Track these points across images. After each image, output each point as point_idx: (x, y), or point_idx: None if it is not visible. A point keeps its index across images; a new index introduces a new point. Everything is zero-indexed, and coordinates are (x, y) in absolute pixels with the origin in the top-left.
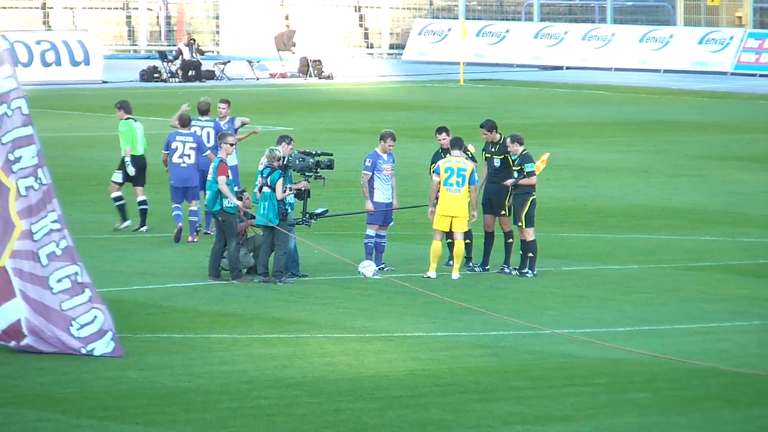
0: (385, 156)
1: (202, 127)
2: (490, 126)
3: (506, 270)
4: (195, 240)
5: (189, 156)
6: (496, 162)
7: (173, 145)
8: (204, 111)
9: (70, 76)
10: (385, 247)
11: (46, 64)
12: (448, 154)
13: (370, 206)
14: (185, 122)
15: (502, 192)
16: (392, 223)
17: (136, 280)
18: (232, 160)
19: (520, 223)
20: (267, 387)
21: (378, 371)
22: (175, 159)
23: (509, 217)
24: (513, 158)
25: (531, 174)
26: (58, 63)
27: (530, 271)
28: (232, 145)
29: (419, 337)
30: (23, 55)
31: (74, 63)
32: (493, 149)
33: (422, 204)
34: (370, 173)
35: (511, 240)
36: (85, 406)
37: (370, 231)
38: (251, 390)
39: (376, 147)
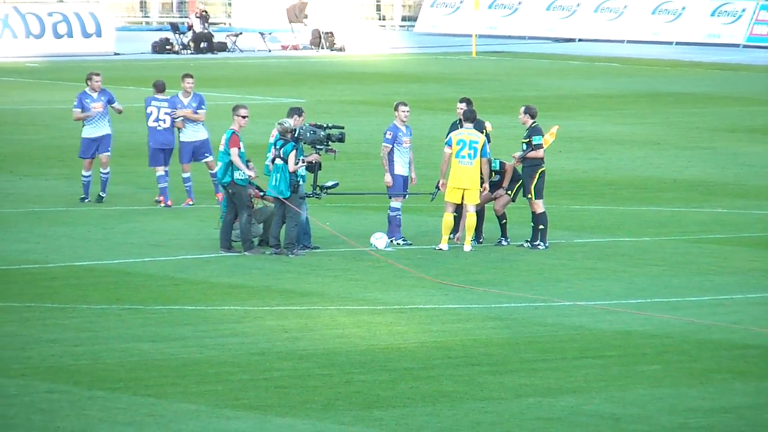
0: (404, 128)
1: (158, 107)
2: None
3: (503, 242)
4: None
5: (164, 120)
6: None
7: (149, 110)
8: (160, 89)
9: (82, 48)
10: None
11: (58, 36)
12: (461, 126)
13: (389, 178)
14: (161, 88)
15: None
16: (407, 197)
17: (147, 251)
18: (201, 134)
19: (529, 195)
20: (279, 359)
21: (390, 343)
22: (151, 123)
23: (508, 199)
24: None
25: (538, 146)
26: (69, 35)
27: (542, 243)
28: (244, 117)
29: (431, 309)
30: (35, 27)
31: (86, 35)
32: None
33: (434, 192)
34: (391, 146)
35: (505, 221)
36: (97, 378)
37: (395, 204)
38: (263, 362)
39: (394, 120)
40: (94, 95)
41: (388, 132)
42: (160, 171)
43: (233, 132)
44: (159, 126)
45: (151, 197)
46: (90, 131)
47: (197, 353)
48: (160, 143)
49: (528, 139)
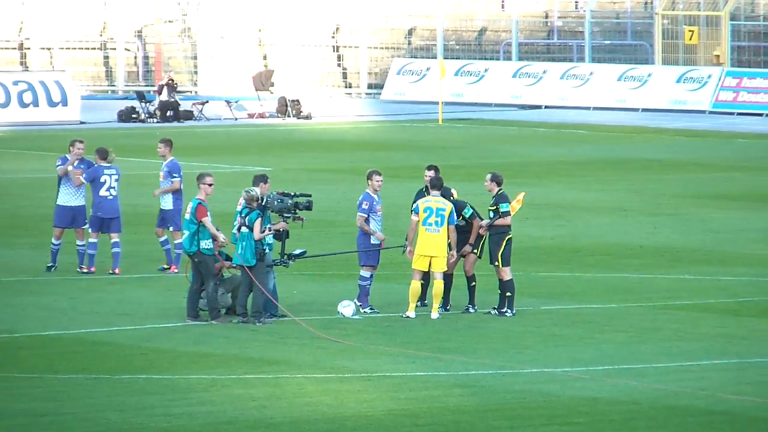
0: (376, 197)
1: (110, 175)
2: (437, 169)
3: (471, 310)
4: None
5: (114, 188)
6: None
7: (102, 179)
8: (104, 156)
9: (47, 117)
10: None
11: (23, 105)
12: (427, 194)
13: (381, 235)
14: (104, 155)
15: (466, 232)
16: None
17: (114, 320)
18: (167, 204)
19: (496, 263)
20: (247, 427)
21: (358, 411)
22: (103, 192)
23: (475, 258)
24: (468, 214)
25: (506, 214)
26: (35, 104)
27: (509, 310)
28: (210, 185)
29: (398, 376)
30: (0, 96)
31: (52, 104)
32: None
33: (395, 246)
34: (366, 215)
35: (474, 283)
36: None
37: (365, 273)
38: (231, 430)
39: (366, 189)
40: (75, 163)
41: (364, 202)
42: (94, 238)
43: (199, 202)
44: (110, 195)
45: (111, 265)
46: (67, 199)
47: (165, 423)
48: (111, 212)
49: (495, 207)
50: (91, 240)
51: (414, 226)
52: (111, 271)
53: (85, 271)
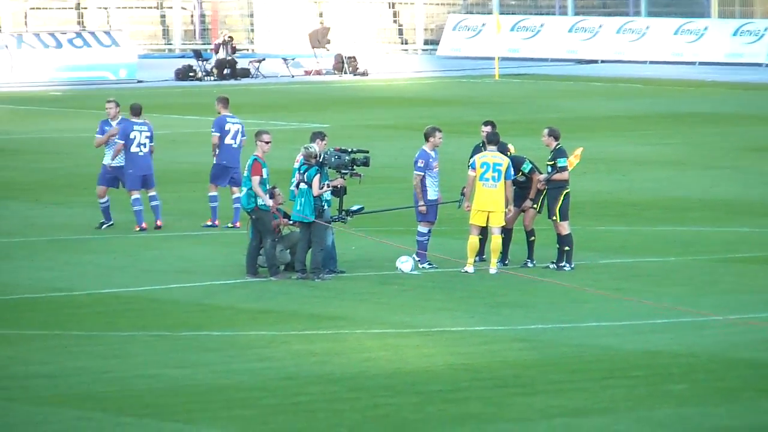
0: (433, 153)
1: (140, 131)
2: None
3: (529, 264)
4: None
5: (145, 145)
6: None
7: (131, 135)
8: (137, 112)
9: (105, 77)
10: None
11: (81, 65)
12: (484, 149)
13: (424, 208)
14: (137, 112)
15: (526, 187)
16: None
17: (174, 278)
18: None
19: (554, 217)
20: (307, 383)
21: (417, 366)
22: (133, 148)
23: (534, 213)
24: (527, 169)
25: (563, 169)
26: (92, 63)
27: (567, 265)
28: (267, 143)
29: (458, 331)
30: (58, 57)
31: (109, 63)
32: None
33: (450, 201)
34: (423, 174)
35: (533, 238)
36: (125, 404)
37: (423, 228)
38: (291, 386)
39: (423, 145)
40: (113, 123)
41: (420, 160)
42: (136, 194)
43: (256, 158)
44: (140, 151)
45: (176, 224)
46: (109, 160)
47: (225, 379)
48: (143, 168)
49: (553, 162)
50: (134, 196)
51: (471, 182)
52: (156, 226)
53: (137, 230)
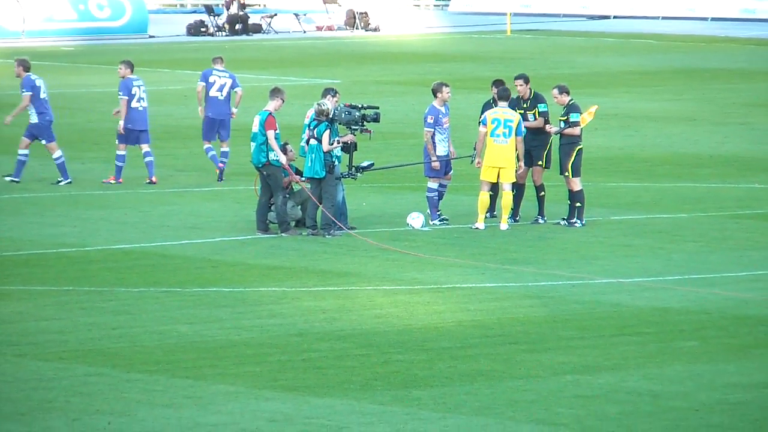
0: (443, 109)
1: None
2: (526, 78)
3: (540, 221)
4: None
5: (143, 99)
6: (530, 117)
7: (132, 91)
8: (133, 68)
9: (117, 31)
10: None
11: (93, 19)
12: (495, 105)
13: (437, 164)
14: (132, 67)
15: (534, 144)
16: (452, 172)
17: (184, 234)
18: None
19: (566, 173)
20: (317, 339)
21: (427, 323)
22: (134, 104)
23: (542, 169)
24: (542, 109)
25: (575, 124)
26: (105, 18)
27: (578, 221)
28: (283, 100)
29: (468, 288)
30: (68, 12)
31: (121, 17)
32: (525, 105)
33: (472, 154)
34: (433, 130)
35: (543, 193)
36: (135, 361)
37: (432, 184)
38: (301, 342)
39: (433, 101)
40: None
41: (429, 116)
42: (122, 150)
43: (269, 113)
44: (140, 107)
45: (187, 179)
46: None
47: (235, 335)
48: (139, 124)
49: (565, 117)
50: (119, 152)
51: (482, 138)
52: (149, 181)
53: (112, 182)
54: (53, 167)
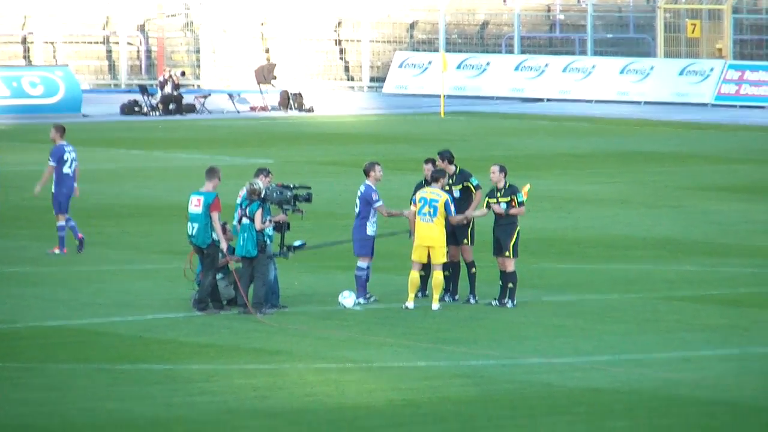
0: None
1: (70, 151)
2: (449, 157)
3: (471, 300)
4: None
5: (74, 166)
6: (456, 192)
7: (65, 157)
8: (63, 133)
9: (51, 110)
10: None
11: (27, 98)
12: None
13: (407, 212)
14: (64, 132)
15: (462, 223)
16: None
17: (116, 311)
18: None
19: (507, 253)
20: (247, 417)
21: (358, 401)
22: (66, 169)
23: (470, 247)
24: (475, 183)
25: (522, 204)
26: (39, 97)
27: (510, 302)
28: (219, 179)
29: (399, 367)
30: (3, 90)
31: (55, 97)
32: (450, 180)
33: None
34: (381, 203)
35: (474, 270)
36: None
37: (362, 263)
38: (231, 420)
39: (366, 181)
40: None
41: (373, 194)
42: (62, 220)
43: (216, 195)
44: (71, 173)
45: (119, 257)
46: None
47: (165, 412)
48: (71, 189)
49: (509, 198)
50: (60, 223)
51: (412, 217)
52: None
53: (57, 252)
54: None
